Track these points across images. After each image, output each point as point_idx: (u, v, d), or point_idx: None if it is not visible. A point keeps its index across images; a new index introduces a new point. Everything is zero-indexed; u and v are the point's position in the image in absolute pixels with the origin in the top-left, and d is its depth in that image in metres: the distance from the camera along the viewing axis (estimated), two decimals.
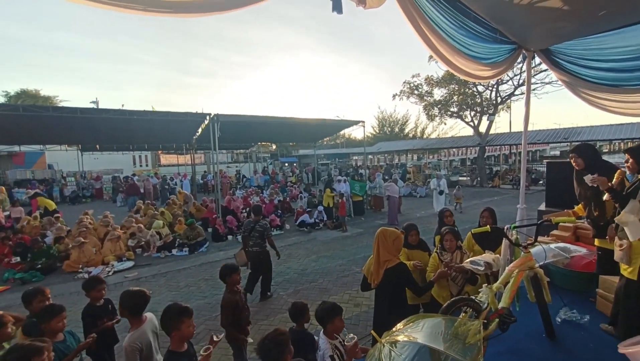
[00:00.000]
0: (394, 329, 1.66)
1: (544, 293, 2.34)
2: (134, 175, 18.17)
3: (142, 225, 8.24)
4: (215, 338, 2.12)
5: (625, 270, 2.26)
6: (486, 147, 22.27)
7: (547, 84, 17.90)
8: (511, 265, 2.30)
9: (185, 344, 1.97)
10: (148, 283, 5.93)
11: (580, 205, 2.99)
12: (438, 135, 32.42)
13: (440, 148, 27.20)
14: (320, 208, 9.99)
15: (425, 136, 36.54)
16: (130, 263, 6.89)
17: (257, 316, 4.38)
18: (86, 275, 6.19)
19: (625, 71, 4.34)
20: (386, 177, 16.75)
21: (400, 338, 1.52)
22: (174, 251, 7.66)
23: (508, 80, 19.04)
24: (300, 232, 9.26)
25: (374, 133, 40.84)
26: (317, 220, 9.58)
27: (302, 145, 33.61)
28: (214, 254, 7.56)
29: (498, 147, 26.61)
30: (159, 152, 25.21)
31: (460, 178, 22.28)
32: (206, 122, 9.41)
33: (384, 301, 2.60)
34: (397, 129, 39.78)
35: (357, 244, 7.89)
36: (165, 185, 16.01)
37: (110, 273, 6.34)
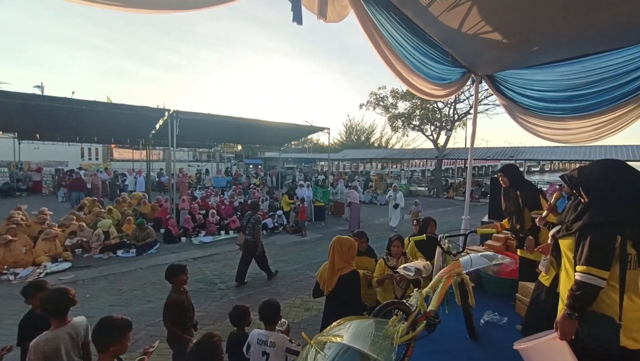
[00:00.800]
0: (323, 331, 1.73)
1: (469, 297, 2.57)
2: (80, 168, 16.71)
3: (84, 224, 7.62)
4: (150, 349, 2.04)
5: (543, 277, 2.50)
6: (443, 160, 23.75)
7: (498, 105, 19.58)
8: (441, 271, 2.50)
9: (115, 360, 1.84)
10: (86, 287, 5.49)
11: (506, 218, 3.33)
12: (401, 146, 33.91)
13: (401, 158, 28.47)
14: (280, 212, 9.97)
15: (389, 146, 37.97)
16: (66, 265, 6.33)
17: (204, 321, 4.25)
18: (12, 277, 5.61)
19: (551, 101, 4.93)
20: (349, 184, 17.14)
21: (327, 339, 1.60)
22: (119, 252, 7.17)
23: (464, 100, 20.54)
24: None
25: (341, 140, 41.62)
26: (276, 224, 9.53)
27: (269, 147, 33.18)
28: (164, 256, 7.20)
29: (454, 160, 28.43)
30: (112, 145, 23.43)
31: (419, 188, 23.50)
32: (165, 117, 8.96)
33: (334, 307, 2.67)
34: (363, 138, 40.90)
35: (315, 249, 7.98)
36: (117, 182, 14.95)
37: (41, 275, 5.77)
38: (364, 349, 1.45)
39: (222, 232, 9.17)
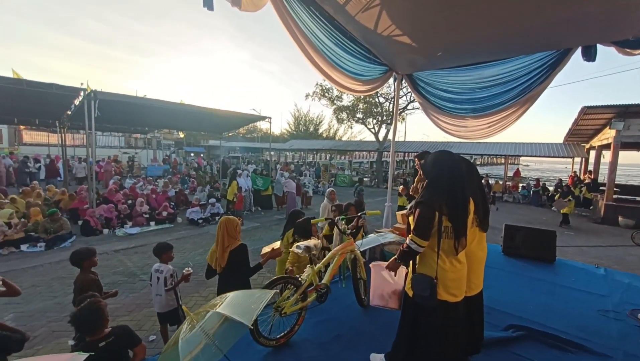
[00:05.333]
0: (206, 304, 1.87)
1: (358, 271, 2.93)
2: None
3: None
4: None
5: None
6: (384, 152, 25.17)
7: None
8: (335, 248, 2.80)
9: None
10: None
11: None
12: (348, 138, 34.94)
13: (346, 150, 29.40)
14: (213, 200, 9.69)
15: (337, 138, 38.88)
16: None
17: (117, 313, 4.09)
18: None
19: (456, 102, 5.60)
20: (294, 174, 17.29)
21: (204, 309, 1.75)
22: (24, 247, 6.41)
23: (402, 96, 21.86)
24: (193, 225, 8.87)
25: (290, 130, 41.44)
26: (210, 214, 9.29)
27: (213, 135, 31.58)
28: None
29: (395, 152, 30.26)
30: (19, 127, 20.16)
31: (364, 179, 24.71)
32: (80, 98, 8.02)
33: (229, 281, 2.76)
34: (312, 128, 41.23)
35: (250, 237, 8.00)
36: (26, 169, 13.07)
37: None
38: (229, 313, 1.62)
39: (152, 223, 8.70)
